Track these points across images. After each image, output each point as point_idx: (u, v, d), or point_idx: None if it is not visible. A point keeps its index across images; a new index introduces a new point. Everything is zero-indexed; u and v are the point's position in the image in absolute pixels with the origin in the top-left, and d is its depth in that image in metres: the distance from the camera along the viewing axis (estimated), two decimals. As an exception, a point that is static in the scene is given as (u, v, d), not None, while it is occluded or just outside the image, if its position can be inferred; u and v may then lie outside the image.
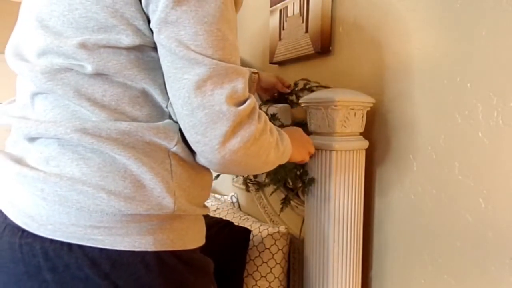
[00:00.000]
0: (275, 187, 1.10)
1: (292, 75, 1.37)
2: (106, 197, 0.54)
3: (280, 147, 0.70)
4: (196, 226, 0.67)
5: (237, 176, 1.63)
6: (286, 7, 1.36)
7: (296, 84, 1.18)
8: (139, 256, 0.57)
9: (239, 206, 1.69)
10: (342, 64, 1.16)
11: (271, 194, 1.15)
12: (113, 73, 0.57)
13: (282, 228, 1.20)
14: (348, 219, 0.97)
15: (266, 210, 1.43)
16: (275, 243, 1.17)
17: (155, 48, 0.58)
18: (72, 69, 0.57)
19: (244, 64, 1.05)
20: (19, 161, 0.59)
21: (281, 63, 1.46)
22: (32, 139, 0.59)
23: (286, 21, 1.37)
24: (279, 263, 1.17)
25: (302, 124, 1.06)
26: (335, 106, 0.91)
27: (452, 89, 0.86)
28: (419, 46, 0.93)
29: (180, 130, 0.60)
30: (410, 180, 0.97)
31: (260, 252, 1.17)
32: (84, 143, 0.55)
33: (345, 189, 0.96)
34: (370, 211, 1.09)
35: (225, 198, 1.72)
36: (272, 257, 1.17)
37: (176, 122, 0.60)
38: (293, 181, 1.08)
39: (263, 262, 1.17)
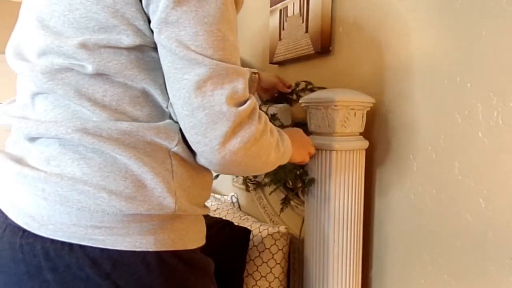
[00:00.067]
0: (274, 187, 1.10)
1: (292, 75, 1.37)
2: (107, 197, 0.54)
3: (281, 148, 0.70)
4: (196, 226, 0.67)
5: (237, 176, 1.63)
6: (286, 7, 1.36)
7: (297, 85, 1.18)
8: (140, 256, 0.57)
9: (239, 206, 1.69)
10: (342, 64, 1.16)
11: (270, 194, 1.15)
12: (113, 73, 0.57)
13: (282, 228, 1.20)
14: (348, 219, 0.97)
15: (266, 210, 1.43)
16: (275, 243, 1.17)
17: (155, 48, 0.58)
18: (73, 69, 0.57)
19: (244, 64, 1.05)
20: (19, 161, 0.59)
21: (281, 63, 1.46)
22: (32, 139, 0.59)
23: (286, 21, 1.37)
24: (279, 263, 1.17)
25: (302, 124, 1.06)
26: (335, 106, 0.91)
27: (452, 89, 0.86)
28: (419, 46, 0.93)
29: (180, 130, 0.60)
30: (410, 180, 0.97)
31: (260, 252, 1.17)
32: (85, 143, 0.55)
33: (345, 189, 0.96)
34: (370, 211, 1.09)
35: (225, 198, 1.72)
36: (272, 257, 1.17)
37: (177, 122, 0.60)
38: (293, 181, 1.08)
39: (263, 262, 1.17)
